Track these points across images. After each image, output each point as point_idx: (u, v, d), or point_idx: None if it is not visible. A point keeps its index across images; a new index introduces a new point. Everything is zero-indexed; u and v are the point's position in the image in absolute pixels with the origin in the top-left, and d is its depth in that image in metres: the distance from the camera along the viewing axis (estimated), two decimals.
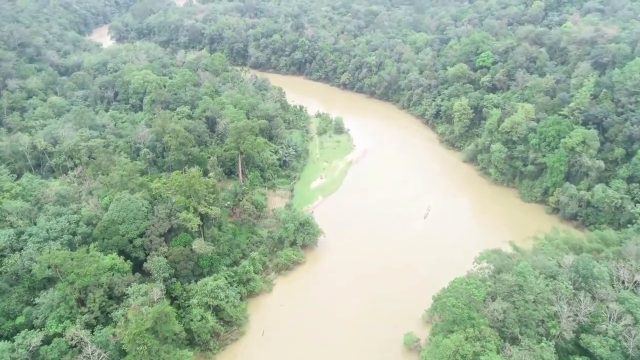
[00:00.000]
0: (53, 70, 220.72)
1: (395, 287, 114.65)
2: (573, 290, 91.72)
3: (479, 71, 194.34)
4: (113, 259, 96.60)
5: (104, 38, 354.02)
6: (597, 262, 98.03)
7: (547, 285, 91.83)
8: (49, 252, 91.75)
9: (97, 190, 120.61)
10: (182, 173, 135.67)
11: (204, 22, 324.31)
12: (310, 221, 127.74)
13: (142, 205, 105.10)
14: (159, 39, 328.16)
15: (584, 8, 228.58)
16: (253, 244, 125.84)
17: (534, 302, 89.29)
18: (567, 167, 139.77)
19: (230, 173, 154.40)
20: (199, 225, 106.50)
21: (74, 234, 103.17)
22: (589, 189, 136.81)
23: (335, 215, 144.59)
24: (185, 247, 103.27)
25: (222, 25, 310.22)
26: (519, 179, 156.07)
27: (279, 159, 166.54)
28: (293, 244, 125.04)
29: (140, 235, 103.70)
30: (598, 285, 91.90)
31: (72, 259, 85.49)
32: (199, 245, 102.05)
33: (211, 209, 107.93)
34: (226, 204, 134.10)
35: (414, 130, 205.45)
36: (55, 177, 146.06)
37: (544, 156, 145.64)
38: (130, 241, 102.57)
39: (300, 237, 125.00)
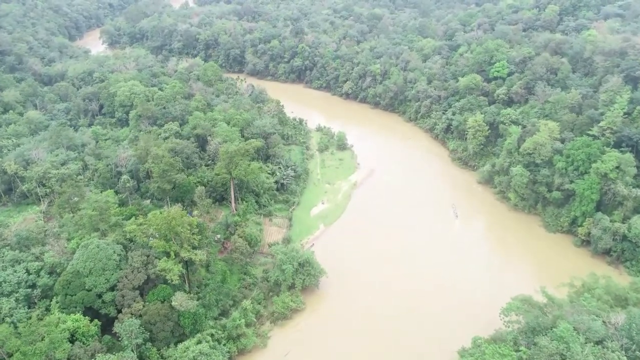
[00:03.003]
0: (34, 80, 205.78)
1: (407, 336, 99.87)
2: None
3: (493, 82, 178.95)
4: (76, 321, 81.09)
5: (96, 42, 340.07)
6: None
7: (595, 356, 76.50)
8: None
9: (66, 227, 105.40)
10: (165, 202, 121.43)
11: (199, 26, 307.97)
12: (310, 260, 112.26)
13: (114, 252, 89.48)
14: (151, 44, 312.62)
15: (602, 13, 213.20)
16: (245, 288, 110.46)
17: None
18: (599, 195, 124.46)
19: (221, 199, 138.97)
20: (181, 272, 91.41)
21: (33, 286, 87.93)
22: (624, 220, 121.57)
23: (339, 247, 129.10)
24: (164, 302, 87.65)
25: (218, 29, 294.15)
26: (542, 205, 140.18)
27: (276, 182, 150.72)
28: (291, 287, 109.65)
29: (112, 289, 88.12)
30: None
31: (17, 334, 69.87)
32: (180, 301, 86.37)
33: (196, 254, 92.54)
34: (216, 238, 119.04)
35: (422, 145, 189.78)
36: (27, 204, 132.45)
37: (571, 182, 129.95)
38: (99, 296, 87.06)
39: (299, 279, 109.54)
